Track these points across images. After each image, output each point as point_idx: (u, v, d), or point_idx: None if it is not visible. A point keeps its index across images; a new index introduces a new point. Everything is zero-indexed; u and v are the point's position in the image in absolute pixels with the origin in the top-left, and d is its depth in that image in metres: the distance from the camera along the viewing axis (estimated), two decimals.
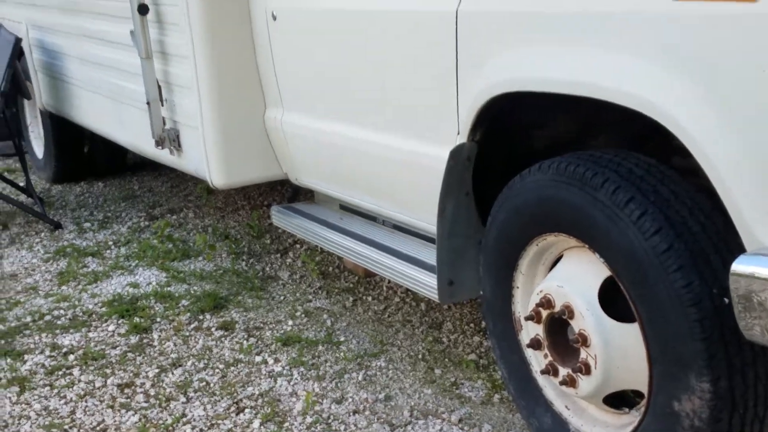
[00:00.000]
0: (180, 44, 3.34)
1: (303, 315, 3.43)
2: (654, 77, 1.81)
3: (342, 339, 3.20)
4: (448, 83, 2.34)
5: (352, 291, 3.64)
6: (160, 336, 3.32)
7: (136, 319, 3.46)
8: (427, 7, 2.36)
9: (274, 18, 3.07)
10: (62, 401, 2.89)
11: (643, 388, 2.00)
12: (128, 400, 2.87)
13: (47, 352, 3.24)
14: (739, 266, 1.68)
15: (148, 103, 3.58)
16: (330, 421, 2.66)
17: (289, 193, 3.83)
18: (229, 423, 2.68)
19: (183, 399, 2.85)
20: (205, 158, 3.37)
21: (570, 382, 2.14)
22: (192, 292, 3.71)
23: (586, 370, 2.07)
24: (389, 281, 3.52)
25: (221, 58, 3.24)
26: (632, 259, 1.90)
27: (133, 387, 2.96)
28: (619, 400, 2.17)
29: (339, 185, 3.13)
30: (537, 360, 2.30)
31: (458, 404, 2.72)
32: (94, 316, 3.54)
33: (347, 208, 3.29)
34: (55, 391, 2.95)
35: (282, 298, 3.62)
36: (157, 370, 3.06)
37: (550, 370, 2.22)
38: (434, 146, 2.47)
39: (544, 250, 2.24)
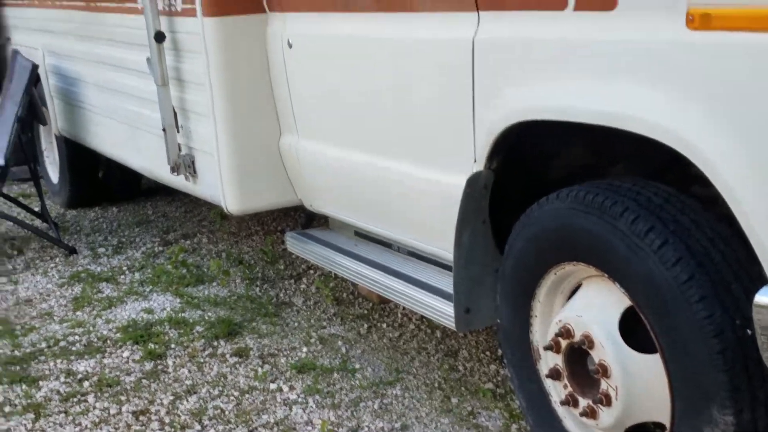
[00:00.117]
0: (196, 71, 3.36)
1: (317, 342, 3.42)
2: (672, 106, 1.80)
3: (357, 366, 3.18)
4: (465, 111, 2.34)
5: (366, 317, 3.62)
6: (174, 362, 3.32)
7: (151, 346, 3.45)
8: (444, 35, 2.37)
9: (290, 46, 3.09)
10: (77, 428, 2.88)
11: (665, 420, 1.97)
12: (143, 427, 2.86)
13: (62, 379, 3.24)
14: (762, 298, 1.67)
15: (163, 130, 3.60)
16: None
17: (302, 218, 3.83)
18: None
19: (198, 427, 2.84)
20: (221, 184, 3.38)
21: (590, 413, 2.12)
22: (206, 318, 3.70)
23: (607, 401, 2.05)
24: (404, 308, 3.50)
25: (237, 85, 3.26)
26: (653, 290, 1.88)
27: (147, 414, 2.94)
28: None
29: (354, 212, 3.13)
30: (556, 390, 2.28)
31: None
32: (108, 342, 3.54)
33: (362, 235, 3.28)
34: (70, 418, 2.95)
35: (296, 324, 3.61)
36: (171, 397, 3.04)
37: (570, 401, 2.19)
38: (450, 174, 2.46)
39: (562, 278, 2.23)
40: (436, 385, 3.02)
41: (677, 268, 1.84)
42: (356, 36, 2.74)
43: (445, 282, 2.72)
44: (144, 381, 3.18)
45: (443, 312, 2.61)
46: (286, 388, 3.05)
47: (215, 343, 3.45)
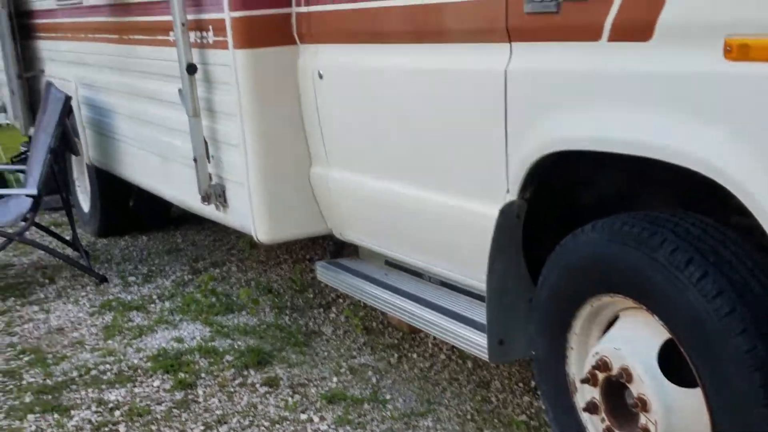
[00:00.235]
0: (227, 102, 3.39)
1: (348, 371, 3.40)
2: (711, 137, 1.79)
3: (388, 397, 3.16)
4: (497, 141, 2.34)
5: (396, 347, 3.60)
6: (204, 392, 3.32)
7: (181, 375, 3.45)
8: (476, 66, 2.38)
9: (321, 77, 3.12)
10: None
11: None
12: None
13: (93, 408, 3.25)
14: None
15: (195, 160, 3.63)
16: None
17: (331, 247, 3.84)
18: None
19: None
20: (251, 214, 3.39)
21: None
22: (236, 347, 3.70)
23: None
24: (434, 338, 3.48)
25: (268, 116, 3.29)
26: (693, 323, 1.86)
27: None
28: None
29: (384, 241, 3.13)
30: (593, 424, 2.25)
31: None
32: (139, 371, 3.55)
33: (393, 264, 3.28)
34: None
35: (326, 353, 3.60)
36: (202, 427, 3.04)
37: None
38: (483, 203, 2.46)
39: (598, 310, 2.20)
40: (469, 416, 2.99)
41: (718, 301, 1.82)
42: (387, 67, 2.76)
43: (478, 312, 2.71)
44: (175, 410, 3.18)
45: (476, 343, 2.59)
46: (316, 419, 3.04)
47: (245, 373, 3.45)
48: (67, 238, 5.09)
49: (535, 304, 2.35)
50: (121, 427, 3.09)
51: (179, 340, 3.83)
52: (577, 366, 2.29)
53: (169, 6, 3.50)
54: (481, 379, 3.26)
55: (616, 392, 2.14)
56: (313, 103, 3.20)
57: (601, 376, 2.16)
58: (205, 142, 3.60)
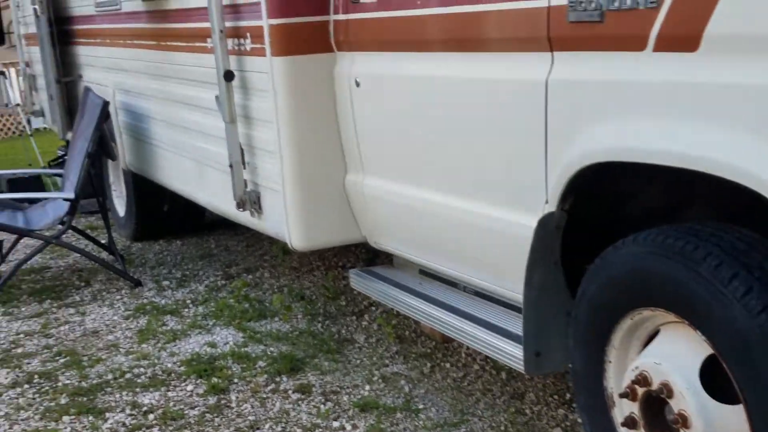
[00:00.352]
0: (264, 109, 3.41)
1: (380, 380, 3.39)
2: (758, 149, 1.76)
3: (421, 406, 3.15)
4: (537, 151, 2.32)
5: (429, 356, 3.59)
6: (237, 397, 3.33)
7: (214, 380, 3.47)
8: (516, 76, 2.36)
9: (358, 84, 3.12)
10: None
11: None
12: None
13: (128, 411, 3.27)
14: None
15: (230, 166, 3.65)
16: None
17: (363, 254, 3.84)
18: None
19: None
20: (286, 221, 3.40)
21: None
22: (269, 353, 3.71)
23: None
24: (467, 347, 3.46)
25: (304, 123, 3.29)
26: (737, 338, 1.82)
27: None
28: None
29: (419, 250, 3.12)
30: None
31: None
32: (173, 375, 3.57)
33: (427, 273, 3.26)
34: None
35: (358, 361, 3.59)
36: None
37: None
38: (521, 214, 2.44)
39: (639, 324, 2.17)
40: (503, 428, 2.96)
41: (762, 317, 1.78)
42: (426, 75, 2.75)
43: (513, 323, 2.68)
44: (208, 415, 3.20)
45: (512, 354, 2.56)
46: (349, 427, 3.03)
47: (278, 379, 3.45)
48: (103, 241, 5.15)
49: (573, 316, 2.33)
50: (155, 431, 3.10)
51: (212, 345, 3.85)
52: (616, 380, 2.26)
53: (207, 13, 3.52)
54: (515, 390, 3.23)
55: (656, 408, 2.11)
56: (350, 110, 3.20)
57: (640, 390, 2.13)
58: (241, 149, 3.62)
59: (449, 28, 2.61)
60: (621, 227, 2.26)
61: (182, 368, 3.62)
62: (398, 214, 3.11)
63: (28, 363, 3.79)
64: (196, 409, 3.25)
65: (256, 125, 3.53)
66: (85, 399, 3.39)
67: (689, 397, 1.97)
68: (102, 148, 4.94)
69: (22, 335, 4.14)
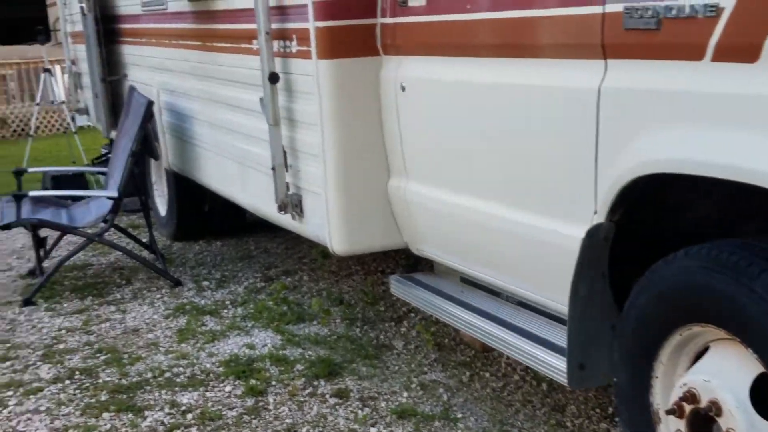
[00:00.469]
0: (308, 112, 3.41)
1: (418, 387, 3.37)
2: None
3: (459, 415, 3.12)
4: (587, 161, 2.28)
5: (468, 365, 3.55)
6: (275, 400, 3.32)
7: (252, 381, 3.47)
8: (568, 83, 2.32)
9: (403, 89, 3.10)
10: None
11: None
12: None
13: (166, 410, 3.29)
14: None
15: (273, 169, 3.65)
16: None
17: (402, 260, 3.81)
18: None
19: None
20: (327, 225, 3.39)
21: None
22: (307, 356, 3.71)
23: None
24: (507, 357, 3.42)
25: (348, 127, 3.28)
26: None
27: None
28: None
29: (462, 258, 3.09)
30: None
31: None
32: (211, 375, 3.58)
33: (468, 281, 3.23)
34: None
35: (397, 368, 3.57)
36: None
37: None
38: (568, 224, 2.40)
39: (688, 340, 2.12)
40: None
41: None
42: (474, 81, 2.72)
43: (557, 335, 2.65)
44: (245, 417, 3.20)
45: (554, 366, 2.52)
46: None
47: (315, 383, 3.44)
48: (144, 240, 5.20)
49: (620, 330, 2.28)
50: (193, 430, 3.12)
51: (251, 346, 3.86)
52: (662, 396, 2.21)
53: (253, 14, 3.53)
54: (556, 402, 3.18)
55: (703, 425, 2.06)
56: (395, 115, 3.18)
57: (688, 408, 2.08)
58: (284, 152, 3.62)
59: (499, 34, 2.58)
60: (671, 239, 2.21)
61: (221, 369, 3.63)
62: (441, 220, 3.08)
63: (70, 359, 3.83)
64: (234, 410, 3.26)
65: (299, 128, 3.53)
66: (124, 396, 3.42)
67: (739, 416, 1.93)
68: (145, 147, 4.99)
69: (63, 331, 4.19)
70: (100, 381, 3.58)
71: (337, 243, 3.38)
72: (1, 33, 8.37)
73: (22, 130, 11.95)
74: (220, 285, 4.77)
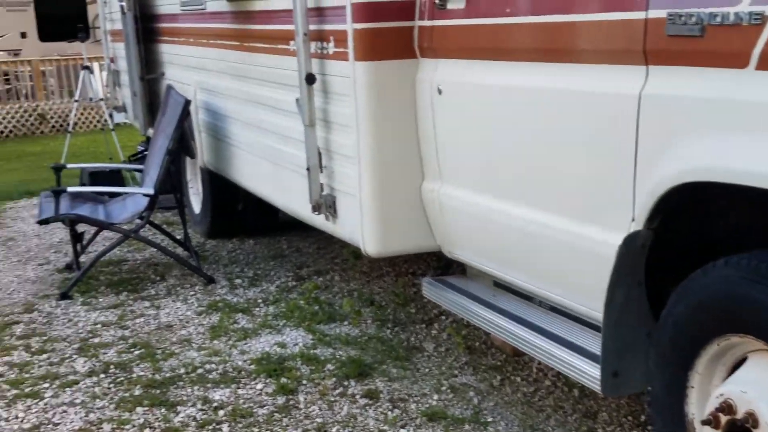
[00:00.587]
0: (343, 113, 3.42)
1: (448, 390, 3.37)
2: None
3: (490, 419, 3.11)
4: (626, 168, 2.27)
5: (499, 369, 3.54)
6: (305, 399, 3.34)
7: (283, 380, 3.49)
8: (608, 89, 2.31)
9: (440, 92, 3.10)
10: None
11: None
12: None
13: (198, 405, 3.32)
14: None
15: (308, 169, 3.67)
16: None
17: (434, 262, 3.81)
18: None
19: None
20: (361, 226, 3.40)
21: None
22: (337, 356, 3.72)
23: None
24: (539, 362, 3.40)
25: (383, 129, 3.29)
26: None
27: None
28: None
29: (495, 262, 3.08)
30: None
31: None
32: (243, 373, 3.61)
33: (501, 285, 3.22)
34: None
35: (427, 370, 3.57)
36: None
37: None
38: (604, 231, 2.38)
39: (725, 350, 2.10)
40: None
41: None
42: (512, 85, 2.71)
43: (590, 341, 2.63)
44: (276, 415, 3.22)
45: (587, 373, 2.51)
46: None
47: (346, 383, 3.46)
48: (179, 237, 5.25)
49: (656, 338, 2.26)
50: (225, 427, 3.15)
51: (282, 345, 3.88)
52: (698, 406, 2.19)
53: (291, 16, 3.56)
54: (587, 409, 3.16)
55: None
56: (430, 118, 3.18)
57: (724, 419, 2.05)
58: (319, 152, 3.64)
59: (539, 38, 2.58)
60: (712, 249, 2.19)
61: (252, 367, 3.66)
62: (475, 224, 3.07)
63: (105, 353, 3.89)
64: (265, 408, 3.28)
65: (335, 129, 3.55)
66: (157, 391, 3.46)
67: None
68: (182, 146, 5.04)
69: (99, 325, 4.25)
70: (134, 375, 3.63)
71: (371, 244, 3.39)
72: (40, 30, 8.49)
73: (61, 126, 12.15)
74: (253, 283, 4.80)
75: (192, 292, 4.69)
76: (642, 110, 2.18)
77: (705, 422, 2.11)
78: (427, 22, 3.13)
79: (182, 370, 3.65)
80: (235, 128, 4.84)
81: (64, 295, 4.65)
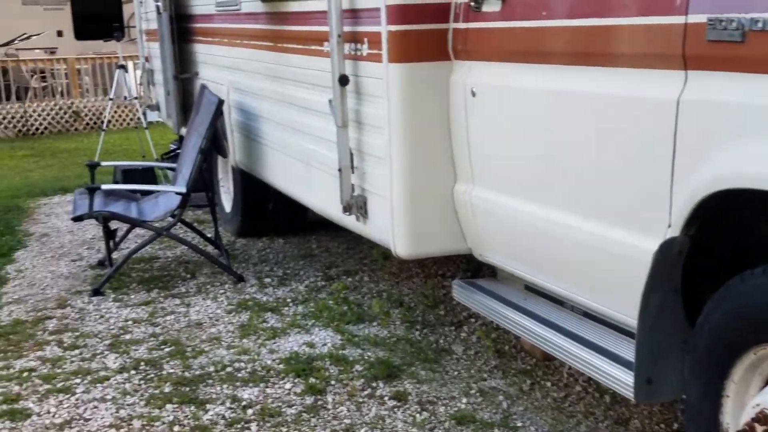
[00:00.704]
0: (376, 115, 3.42)
1: (478, 393, 3.35)
2: None
3: (519, 424, 3.09)
4: (663, 174, 2.24)
5: (529, 373, 3.52)
6: (334, 399, 3.35)
7: (312, 380, 3.50)
8: (646, 93, 2.28)
9: (473, 94, 3.09)
10: None
11: None
12: None
13: (227, 404, 3.34)
14: None
15: (339, 170, 3.67)
16: None
17: (463, 264, 3.80)
18: None
19: None
20: (391, 227, 3.40)
21: None
22: (366, 357, 3.72)
23: None
24: (569, 367, 3.38)
25: (416, 131, 3.29)
26: None
27: None
28: None
29: (527, 265, 3.06)
30: None
31: None
32: (272, 372, 3.62)
33: (532, 289, 3.20)
34: None
35: (456, 373, 3.56)
36: None
37: None
38: (640, 237, 2.36)
39: (762, 359, 2.07)
40: None
41: None
42: (547, 89, 2.70)
43: (622, 347, 2.60)
44: (304, 415, 3.23)
45: (620, 379, 2.48)
46: None
47: (374, 384, 3.46)
48: (209, 235, 5.29)
49: (691, 346, 2.23)
50: (253, 426, 3.16)
51: (311, 345, 3.89)
52: (733, 416, 2.16)
53: (325, 17, 3.57)
54: (619, 415, 3.13)
55: None
56: (463, 120, 3.17)
57: (760, 429, 2.02)
58: (351, 153, 3.64)
59: (575, 41, 2.56)
60: (750, 257, 2.16)
61: (281, 366, 3.67)
62: (507, 227, 3.06)
63: (135, 350, 3.92)
64: (294, 407, 3.29)
65: (367, 130, 3.55)
66: (187, 389, 3.48)
67: None
68: (214, 145, 5.08)
69: (130, 322, 4.29)
70: (164, 373, 3.66)
71: (401, 246, 3.39)
72: (76, 29, 8.61)
73: (95, 123, 12.30)
74: (282, 282, 4.82)
75: (222, 291, 4.72)
76: (680, 115, 2.15)
77: None
78: (461, 25, 3.12)
79: (212, 368, 3.68)
80: (267, 128, 4.86)
81: (97, 292, 4.71)
